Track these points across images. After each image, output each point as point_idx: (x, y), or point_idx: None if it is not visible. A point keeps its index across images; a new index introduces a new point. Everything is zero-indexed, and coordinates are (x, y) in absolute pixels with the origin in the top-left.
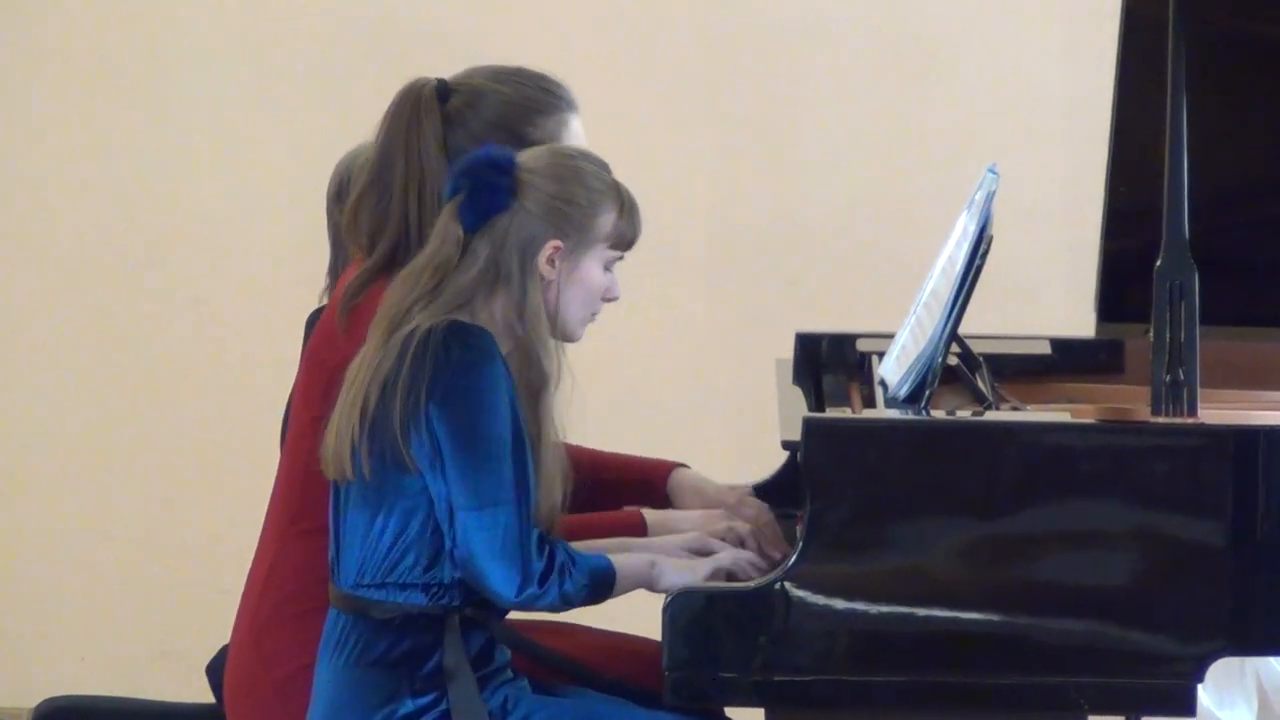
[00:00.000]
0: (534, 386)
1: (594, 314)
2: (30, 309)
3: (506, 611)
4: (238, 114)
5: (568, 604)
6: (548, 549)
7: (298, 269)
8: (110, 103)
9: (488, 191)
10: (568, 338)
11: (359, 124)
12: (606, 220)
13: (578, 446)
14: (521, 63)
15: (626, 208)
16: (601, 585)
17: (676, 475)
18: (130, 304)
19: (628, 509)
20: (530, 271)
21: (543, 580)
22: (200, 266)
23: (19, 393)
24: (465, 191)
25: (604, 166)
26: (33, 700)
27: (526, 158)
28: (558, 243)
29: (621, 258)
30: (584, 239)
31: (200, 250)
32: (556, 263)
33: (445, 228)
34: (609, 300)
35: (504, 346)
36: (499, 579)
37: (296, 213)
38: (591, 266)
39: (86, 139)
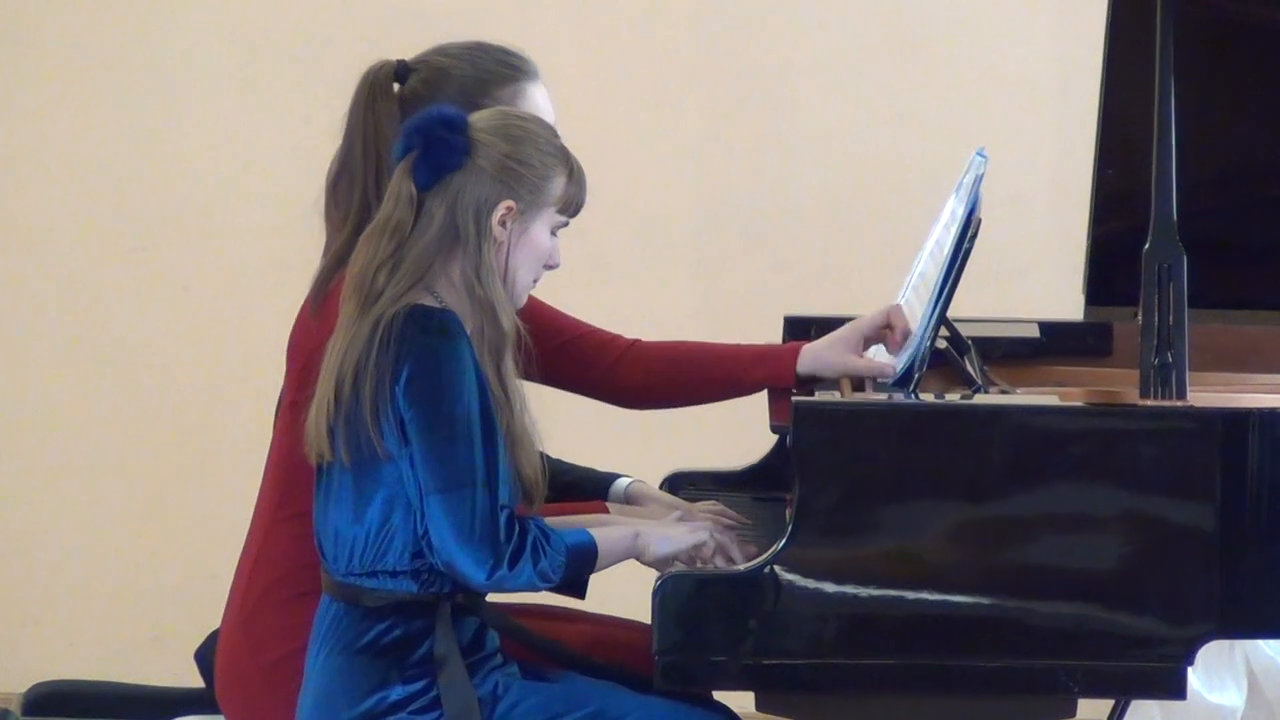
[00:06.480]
0: (496, 346)
1: (536, 280)
2: (19, 296)
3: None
4: (229, 99)
5: (547, 581)
6: (518, 528)
7: (288, 255)
8: (100, 88)
9: (441, 149)
10: (513, 303)
11: None
12: (557, 184)
13: None
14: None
15: (575, 174)
16: (583, 560)
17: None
18: (119, 290)
19: (594, 503)
20: (485, 231)
21: (513, 561)
22: (190, 253)
23: (6, 378)
24: (418, 149)
25: (553, 132)
26: (23, 685)
27: (477, 118)
28: (510, 203)
29: (567, 224)
30: (535, 201)
31: (190, 236)
32: (509, 224)
33: (398, 186)
34: (550, 267)
35: (465, 312)
36: (468, 562)
37: (288, 199)
38: (540, 230)
39: (76, 124)
